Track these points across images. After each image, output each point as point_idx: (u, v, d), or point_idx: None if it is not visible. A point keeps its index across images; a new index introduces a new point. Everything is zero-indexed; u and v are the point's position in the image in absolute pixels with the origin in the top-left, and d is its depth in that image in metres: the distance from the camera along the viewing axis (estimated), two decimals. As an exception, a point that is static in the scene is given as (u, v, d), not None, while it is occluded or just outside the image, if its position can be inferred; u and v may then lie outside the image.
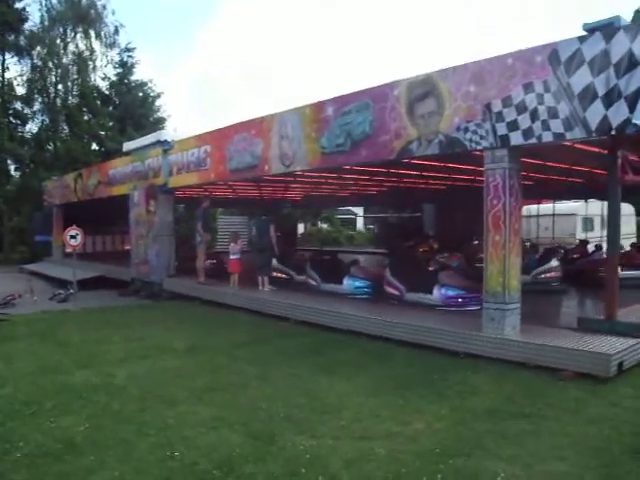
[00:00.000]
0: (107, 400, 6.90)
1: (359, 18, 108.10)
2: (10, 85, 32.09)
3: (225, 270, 15.51)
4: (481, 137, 8.58)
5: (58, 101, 33.84)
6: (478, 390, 7.17)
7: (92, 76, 35.31)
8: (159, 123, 34.77)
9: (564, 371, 7.53)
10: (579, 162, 13.43)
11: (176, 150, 16.33)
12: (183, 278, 16.68)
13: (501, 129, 8.30)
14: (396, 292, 11.92)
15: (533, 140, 7.98)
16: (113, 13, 35.24)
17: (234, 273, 14.56)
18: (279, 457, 5.19)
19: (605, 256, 14.80)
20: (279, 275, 15.13)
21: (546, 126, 7.79)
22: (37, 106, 33.59)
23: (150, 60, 64.98)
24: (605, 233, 9.83)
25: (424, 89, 9.35)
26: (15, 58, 32.37)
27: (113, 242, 28.37)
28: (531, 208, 23.72)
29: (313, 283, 13.76)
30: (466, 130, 8.76)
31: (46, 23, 32.93)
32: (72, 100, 34.30)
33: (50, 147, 33.64)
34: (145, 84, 36.68)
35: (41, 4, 32.87)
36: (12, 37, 31.65)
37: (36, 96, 33.30)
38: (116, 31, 34.70)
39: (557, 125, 7.68)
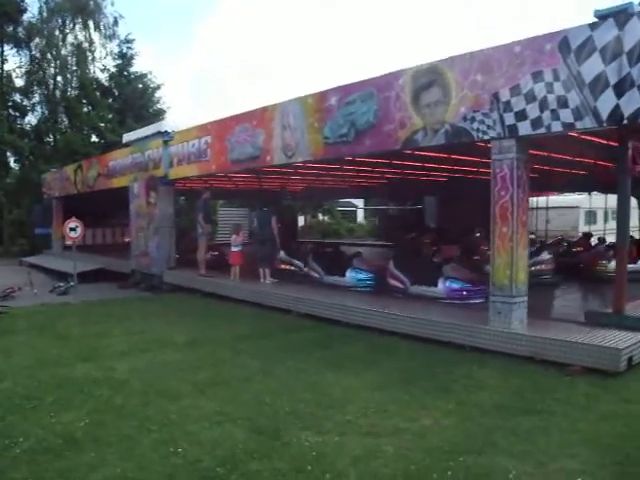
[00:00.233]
0: (109, 394, 6.78)
1: (358, 17, 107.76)
2: (9, 77, 31.88)
3: (226, 262, 15.37)
4: (488, 127, 8.41)
5: (57, 93, 33.59)
6: (485, 385, 7.05)
7: (91, 68, 35.00)
8: (159, 115, 34.54)
9: (572, 366, 7.39)
10: (584, 154, 13.28)
11: (176, 141, 16.18)
12: (184, 270, 16.55)
13: (509, 119, 8.14)
14: (400, 285, 11.77)
15: (542, 130, 7.81)
16: (112, 4, 34.85)
17: (235, 265, 14.41)
18: (284, 453, 5.06)
19: (605, 249, 14.98)
20: (287, 267, 14.93)
21: (555, 116, 7.63)
22: (36, 98, 33.37)
23: (149, 52, 64.75)
24: (608, 226, 9.70)
25: (430, 78, 9.18)
26: (14, 50, 32.19)
27: (113, 234, 28.26)
28: (532, 200, 23.59)
29: (315, 275, 13.61)
30: (473, 120, 8.59)
31: (45, 14, 32.60)
32: (71, 92, 34.01)
33: (50, 139, 33.46)
34: (145, 76, 36.41)
35: (40, -5, 32.66)
36: (11, 28, 31.43)
37: (35, 88, 33.05)
38: (115, 22, 34.38)
39: (567, 115, 7.52)
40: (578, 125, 7.50)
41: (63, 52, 33.27)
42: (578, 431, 5.51)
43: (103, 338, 9.95)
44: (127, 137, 19.82)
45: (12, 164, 32.89)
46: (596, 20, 7.21)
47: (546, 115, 7.72)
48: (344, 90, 10.75)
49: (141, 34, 72.74)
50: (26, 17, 32.01)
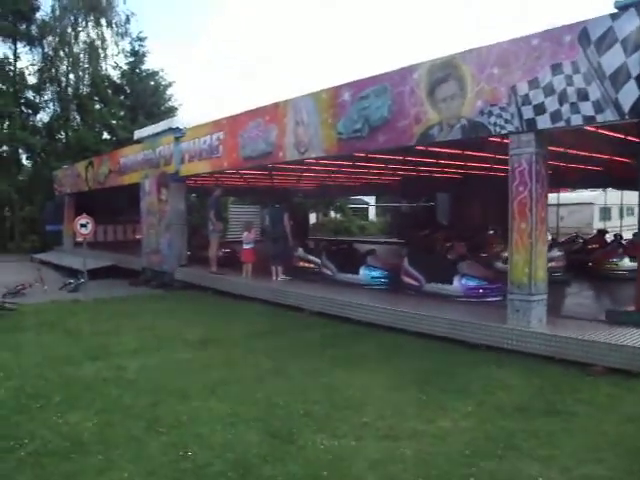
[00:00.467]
0: (117, 394, 6.64)
1: (359, 17, 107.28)
2: (22, 74, 31.81)
3: (238, 260, 15.22)
4: (506, 121, 8.20)
5: (69, 90, 33.54)
6: (504, 385, 6.85)
7: (103, 65, 34.89)
8: (170, 112, 34.37)
9: (594, 366, 7.18)
10: (601, 149, 13.05)
11: (188, 137, 16.04)
12: (195, 268, 16.43)
13: (527, 112, 7.92)
14: (415, 282, 11.58)
15: (561, 123, 7.60)
16: (124, 2, 34.95)
17: (247, 263, 14.27)
18: (299, 457, 4.89)
19: (617, 246, 14.74)
20: (306, 265, 14.72)
21: (575, 109, 7.41)
22: (48, 95, 33.29)
23: (161, 50, 64.81)
24: (624, 223, 9.48)
25: (445, 72, 8.98)
26: (27, 47, 32.13)
27: (124, 231, 28.16)
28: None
29: (328, 273, 13.45)
30: (490, 114, 8.38)
31: (57, 12, 32.58)
32: (83, 89, 33.95)
33: (61, 136, 33.45)
34: (157, 73, 36.33)
35: (52, -7, 32.65)
36: (24, 26, 31.43)
37: (47, 85, 33.00)
38: (127, 20, 34.28)
39: (587, 108, 7.30)
40: (599, 118, 7.29)
41: (75, 50, 33.22)
42: (604, 433, 5.31)
43: (113, 336, 9.83)
44: (138, 134, 19.67)
45: (24, 161, 32.96)
46: (616, 11, 6.99)
47: (565, 108, 7.50)
48: (358, 85, 10.56)
49: (153, 32, 72.89)
50: (39, 15, 32.00)
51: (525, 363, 7.67)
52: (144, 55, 35.80)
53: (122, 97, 35.38)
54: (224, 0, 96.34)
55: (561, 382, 6.90)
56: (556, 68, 7.55)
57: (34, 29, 31.74)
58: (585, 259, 15.16)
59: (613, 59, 7.00)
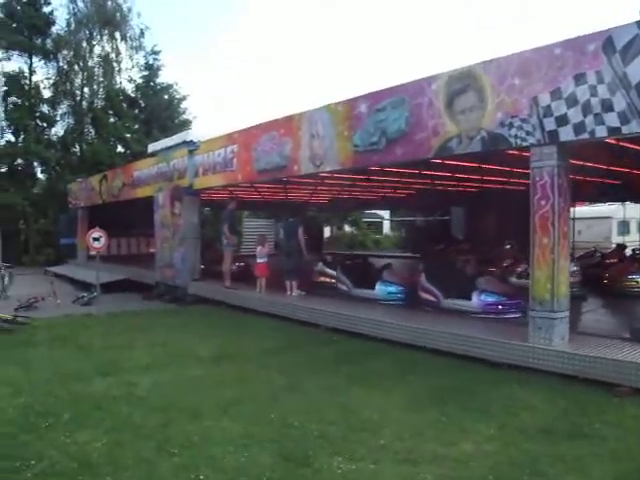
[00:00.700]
0: (128, 412, 6.46)
1: (357, 17, 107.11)
2: (37, 88, 32.01)
3: (252, 274, 15.04)
4: (527, 133, 7.99)
5: (84, 104, 33.74)
6: (527, 406, 6.61)
7: (118, 79, 35.23)
8: (185, 125, 34.40)
9: (620, 386, 6.91)
10: (621, 162, 12.79)
11: (202, 151, 15.95)
12: (209, 282, 16.26)
13: (549, 124, 7.71)
14: (432, 298, 11.34)
15: (585, 135, 7.38)
16: (138, 16, 35.14)
17: (261, 277, 14.09)
18: (315, 482, 4.68)
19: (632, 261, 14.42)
20: (326, 280, 14.44)
21: (600, 120, 7.20)
22: (63, 109, 33.53)
23: (174, 63, 65.15)
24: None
25: (464, 83, 8.80)
26: (42, 61, 32.38)
27: (138, 245, 28.09)
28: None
29: (344, 288, 13.23)
30: (511, 126, 8.18)
31: (72, 26, 32.93)
32: (98, 103, 34.18)
33: (76, 150, 33.58)
34: (171, 87, 36.44)
35: (68, 8, 32.98)
36: (39, 40, 31.68)
37: (62, 99, 33.25)
38: (142, 34, 34.57)
39: (612, 119, 7.09)
40: (624, 130, 7.07)
41: (90, 63, 33.54)
42: (635, 459, 5.07)
43: (125, 351, 9.67)
44: (152, 147, 19.61)
45: (39, 174, 33.08)
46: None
47: (589, 120, 7.29)
48: (374, 97, 10.39)
49: (168, 45, 73.37)
50: (54, 29, 32.33)
51: (548, 382, 7.42)
52: (158, 69, 35.93)
53: (136, 110, 35.48)
54: (239, 12, 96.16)
55: (586, 403, 6.65)
56: (579, 78, 7.34)
57: (49, 43, 32.03)
58: (602, 274, 14.83)
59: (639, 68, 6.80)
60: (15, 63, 31.77)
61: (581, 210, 25.46)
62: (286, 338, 10.77)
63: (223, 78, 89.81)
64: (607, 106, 7.11)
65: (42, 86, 32.43)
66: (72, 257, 26.30)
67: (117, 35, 34.01)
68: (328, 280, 14.36)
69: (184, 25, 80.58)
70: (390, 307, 11.75)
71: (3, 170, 31.06)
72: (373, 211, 41.14)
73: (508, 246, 18.64)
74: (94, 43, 33.71)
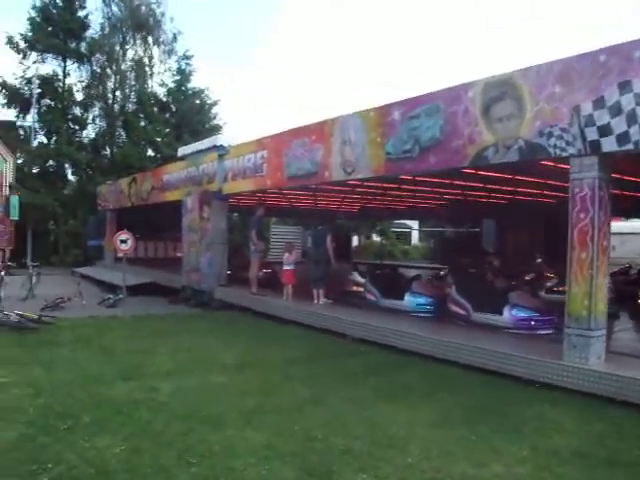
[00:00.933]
0: (148, 418, 6.29)
1: (362, 18, 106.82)
2: (70, 91, 32.48)
3: (279, 281, 14.89)
4: (567, 143, 7.71)
5: (116, 107, 34.09)
6: (560, 428, 6.31)
7: (150, 83, 35.60)
8: (215, 130, 34.52)
9: (661, 410, 6.62)
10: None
11: (232, 155, 15.85)
12: (235, 288, 16.13)
13: (591, 134, 7.43)
14: (462, 311, 11.08)
15: (629, 146, 7.08)
16: (171, 20, 35.45)
17: (288, 284, 13.92)
18: (339, 500, 4.46)
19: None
20: (360, 290, 14.11)
21: (646, 130, 6.92)
22: (95, 112, 34.06)
23: (206, 68, 65.60)
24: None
25: (502, 90, 8.55)
26: (75, 64, 32.90)
27: (165, 248, 28.19)
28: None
29: (372, 298, 13.00)
30: (550, 135, 7.91)
31: (106, 30, 33.32)
32: (129, 106, 34.53)
33: (107, 152, 33.91)
34: (202, 92, 36.67)
35: (102, 12, 33.41)
36: (74, 44, 32.09)
37: (94, 102, 33.63)
38: (174, 38, 34.90)
39: (659, 130, 6.81)
40: (672, 141, 6.79)
41: (123, 67, 33.91)
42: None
43: (148, 355, 9.55)
44: (182, 150, 19.60)
45: (69, 176, 33.47)
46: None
47: (634, 130, 6.99)
48: (408, 104, 10.19)
49: (200, 50, 73.88)
50: (89, 33, 32.82)
51: (582, 404, 7.13)
52: (190, 73, 36.23)
53: (167, 115, 35.73)
54: (274, 17, 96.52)
55: (624, 427, 6.32)
56: (624, 86, 7.06)
57: (83, 46, 32.51)
58: (638, 291, 14.36)
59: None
60: (49, 66, 32.29)
61: (615, 225, 24.91)
62: (312, 347, 10.56)
63: (255, 84, 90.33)
64: (653, 116, 6.84)
65: (75, 89, 33.09)
66: (99, 259, 26.44)
67: (150, 39, 34.41)
68: (361, 290, 14.09)
69: (217, 30, 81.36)
70: (419, 319, 11.53)
71: (35, 171, 31.42)
72: (402, 221, 40.88)
73: (539, 260, 18.30)
74: (127, 47, 34.16)
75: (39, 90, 30.90)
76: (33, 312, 12.21)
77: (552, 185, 14.31)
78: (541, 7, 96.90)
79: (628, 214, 22.43)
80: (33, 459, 5.06)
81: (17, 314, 11.65)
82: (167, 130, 34.70)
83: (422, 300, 12.04)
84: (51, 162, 31.30)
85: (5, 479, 4.72)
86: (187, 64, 36.14)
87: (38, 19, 30.78)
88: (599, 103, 7.32)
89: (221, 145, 16.39)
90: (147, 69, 34.82)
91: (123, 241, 14.68)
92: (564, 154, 7.81)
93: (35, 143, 31.33)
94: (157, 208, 21.45)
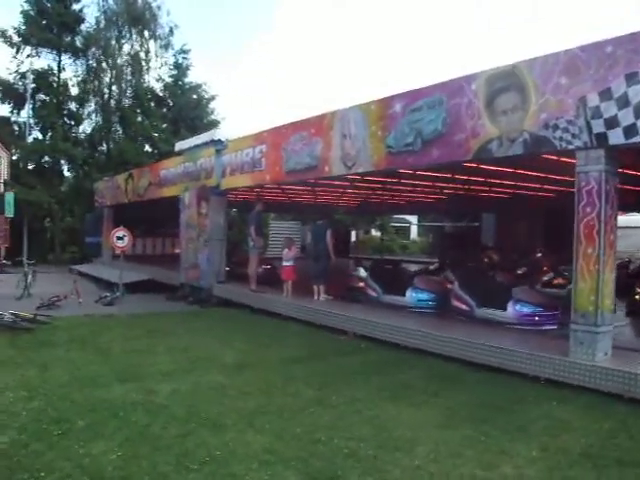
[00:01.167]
0: (146, 421, 6.10)
1: (363, 16, 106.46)
2: (65, 86, 32.22)
3: (278, 277, 14.70)
4: (573, 135, 7.54)
5: (112, 102, 33.89)
6: (569, 426, 6.16)
7: (146, 77, 35.36)
8: (213, 125, 34.30)
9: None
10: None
11: (230, 150, 15.66)
12: (234, 284, 15.97)
13: (598, 126, 7.26)
14: (465, 307, 10.90)
15: (637, 139, 6.91)
16: (168, 14, 35.14)
17: (287, 280, 13.74)
18: (344, 507, 4.29)
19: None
20: (364, 287, 13.61)
21: (654, 123, 6.74)
22: (91, 107, 33.84)
23: (204, 63, 65.27)
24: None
25: (507, 82, 8.37)
26: (71, 59, 32.61)
27: (163, 245, 28.02)
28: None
29: (373, 294, 12.82)
30: (555, 128, 7.73)
31: (102, 24, 33.08)
32: (126, 101, 34.28)
33: (103, 148, 33.70)
34: (199, 86, 36.44)
35: (98, 5, 33.14)
36: (69, 38, 31.83)
37: (90, 97, 33.40)
38: (171, 32, 34.68)
39: (668, 121, 6.64)
40: (682, 134, 6.61)
41: (119, 61, 33.69)
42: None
43: (146, 355, 9.36)
44: (179, 145, 19.40)
45: (66, 172, 33.27)
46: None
47: (642, 122, 6.83)
48: (410, 96, 10.01)
49: (197, 44, 73.58)
50: (84, 27, 32.55)
51: (589, 401, 6.98)
52: (187, 68, 35.98)
53: (164, 110, 35.54)
54: (271, 12, 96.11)
55: (634, 426, 6.16)
56: (631, 78, 6.90)
57: (79, 40, 32.22)
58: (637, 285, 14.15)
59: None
60: (44, 60, 32.08)
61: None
62: (313, 345, 10.40)
63: (253, 79, 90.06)
64: (662, 108, 6.66)
65: (70, 84, 32.83)
66: (97, 256, 26.24)
67: (146, 33, 34.14)
68: (365, 287, 13.74)
69: (214, 25, 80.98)
70: (421, 315, 11.36)
71: (30, 167, 31.18)
72: (401, 216, 40.72)
73: (539, 254, 18.19)
74: (123, 41, 33.94)
75: (33, 85, 30.64)
76: (28, 311, 12.03)
77: (552, 179, 14.15)
78: (543, 7, 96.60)
79: (627, 209, 22.27)
80: (25, 467, 4.88)
81: (11, 313, 11.43)
82: (164, 125, 34.52)
83: (424, 296, 11.86)
84: (47, 158, 31.05)
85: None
86: (184, 58, 35.97)
87: (32, 12, 30.44)
88: (606, 95, 7.15)
89: (219, 140, 16.21)
90: (143, 63, 34.61)
91: (120, 238, 14.52)
92: (570, 147, 7.64)
93: (30, 139, 31.09)
94: (154, 204, 21.25)
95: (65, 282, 18.07)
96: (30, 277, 16.62)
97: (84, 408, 6.49)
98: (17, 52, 30.77)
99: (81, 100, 32.72)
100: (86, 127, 33.73)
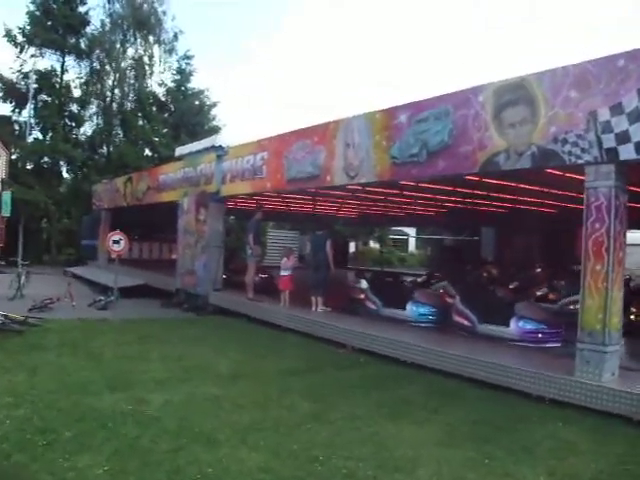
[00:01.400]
0: (135, 434, 5.86)
1: (362, 18, 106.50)
2: (67, 87, 32.19)
3: (275, 286, 14.48)
4: (582, 150, 7.36)
5: (114, 105, 33.87)
6: (576, 449, 5.95)
7: (149, 82, 35.39)
8: (214, 132, 34.17)
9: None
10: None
11: (230, 157, 15.49)
12: (230, 292, 15.75)
13: (608, 141, 7.09)
14: (467, 322, 10.68)
15: (649, 154, 6.75)
16: (173, 19, 35.11)
17: (285, 290, 13.52)
18: (342, 533, 4.07)
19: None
20: (366, 300, 13.19)
21: (667, 139, 6.57)
22: (93, 109, 33.81)
23: (206, 69, 65.28)
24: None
25: (515, 94, 8.20)
26: (75, 61, 32.58)
27: (160, 250, 27.88)
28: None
29: (372, 307, 12.59)
30: (565, 142, 7.55)
31: (107, 27, 33.08)
32: (128, 105, 34.24)
33: (103, 151, 33.59)
34: (202, 92, 36.45)
35: (104, 8, 33.16)
36: (73, 40, 31.77)
37: (92, 99, 33.32)
38: (175, 37, 34.75)
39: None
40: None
41: (122, 65, 33.69)
42: None
43: (138, 362, 9.15)
44: (180, 150, 19.25)
45: (65, 174, 33.18)
46: None
47: (655, 138, 6.65)
48: (416, 107, 9.84)
49: (200, 50, 73.62)
50: (89, 29, 32.58)
51: (596, 422, 6.76)
52: (190, 74, 35.98)
53: (166, 114, 35.49)
54: (275, 20, 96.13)
55: (644, 449, 5.96)
56: (644, 92, 6.72)
57: (83, 43, 32.17)
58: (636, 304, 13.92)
59: None
60: (48, 61, 32.21)
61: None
62: (310, 357, 10.18)
63: (255, 85, 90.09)
64: (676, 124, 6.49)
65: (73, 85, 32.82)
66: (93, 259, 25.98)
67: (151, 38, 34.17)
68: (367, 300, 13.37)
69: (218, 30, 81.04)
70: (422, 330, 11.14)
71: (29, 167, 31.02)
72: (399, 228, 40.55)
73: (538, 269, 18.02)
74: (127, 45, 33.97)
75: (36, 85, 30.59)
76: (20, 313, 11.84)
77: (554, 194, 13.97)
78: (541, 7, 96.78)
79: (632, 226, 22.16)
80: (5, 480, 4.66)
81: (2, 315, 11.19)
82: (165, 130, 34.45)
83: (424, 310, 11.64)
84: (46, 159, 30.95)
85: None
86: (187, 64, 36.00)
87: (37, 13, 30.47)
88: (617, 109, 6.98)
89: (220, 146, 16.08)
90: (147, 68, 34.69)
91: (116, 242, 14.33)
92: (579, 161, 7.46)
93: (30, 139, 30.99)
94: (153, 208, 21.08)
95: (59, 284, 17.83)
96: (23, 278, 16.40)
97: (72, 417, 6.27)
98: (21, 52, 30.79)
99: (83, 102, 32.67)
100: (87, 129, 33.80)
